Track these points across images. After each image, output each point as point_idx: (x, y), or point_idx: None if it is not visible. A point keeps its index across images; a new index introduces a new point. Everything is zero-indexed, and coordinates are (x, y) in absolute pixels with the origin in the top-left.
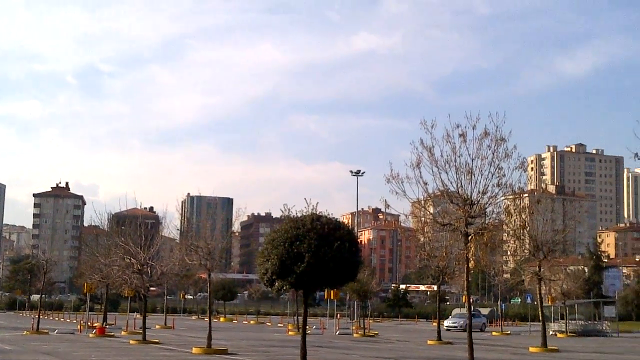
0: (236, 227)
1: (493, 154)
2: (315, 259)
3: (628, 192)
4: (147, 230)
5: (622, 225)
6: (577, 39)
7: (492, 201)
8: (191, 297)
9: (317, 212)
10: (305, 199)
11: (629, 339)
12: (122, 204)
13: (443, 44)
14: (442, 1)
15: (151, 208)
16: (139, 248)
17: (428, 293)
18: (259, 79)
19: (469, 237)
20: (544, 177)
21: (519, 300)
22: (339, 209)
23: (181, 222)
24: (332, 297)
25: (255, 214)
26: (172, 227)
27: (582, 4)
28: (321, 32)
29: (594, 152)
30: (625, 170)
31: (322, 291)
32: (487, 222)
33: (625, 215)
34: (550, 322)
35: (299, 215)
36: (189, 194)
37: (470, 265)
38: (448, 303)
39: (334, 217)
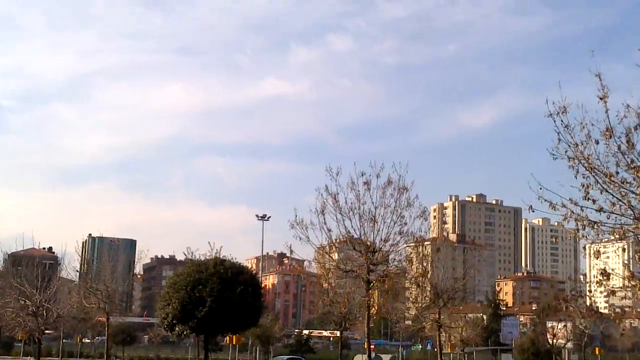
0: (138, 269)
1: (396, 202)
2: (217, 303)
3: (526, 242)
4: (45, 271)
5: (519, 274)
6: (479, 92)
7: (394, 249)
8: (89, 340)
9: (221, 256)
10: (209, 242)
11: None
12: (18, 243)
13: (351, 92)
14: (351, 51)
15: (50, 248)
16: (35, 289)
17: (331, 339)
18: (167, 120)
19: (371, 284)
20: (446, 226)
21: (420, 346)
22: (244, 253)
23: (81, 263)
24: (234, 342)
25: (159, 257)
26: (70, 268)
27: (485, 57)
28: (230, 75)
29: (494, 202)
30: (524, 220)
31: (224, 336)
32: (389, 269)
33: (523, 265)
34: None
35: (203, 258)
36: (90, 234)
37: (372, 311)
38: (351, 349)
39: (237, 262)
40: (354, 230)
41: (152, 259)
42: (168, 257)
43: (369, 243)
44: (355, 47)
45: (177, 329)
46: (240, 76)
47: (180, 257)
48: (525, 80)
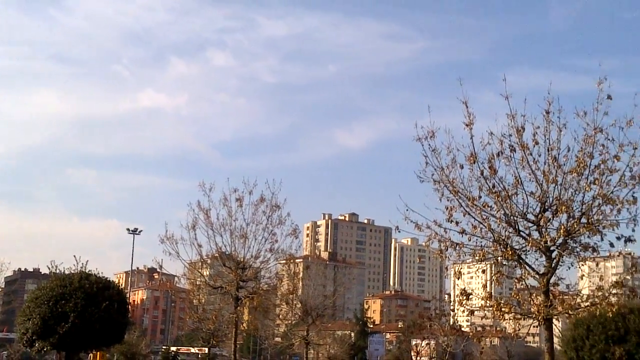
0: None
1: (268, 219)
2: (80, 319)
3: (395, 261)
4: None
5: (387, 292)
6: (357, 114)
7: (265, 265)
8: None
9: (87, 270)
10: (74, 256)
11: None
12: None
13: (229, 108)
14: (230, 66)
15: None
16: None
17: (199, 356)
18: (38, 129)
19: (240, 301)
20: (319, 244)
21: None
22: (114, 268)
23: None
24: (97, 359)
25: (22, 269)
26: None
27: (363, 80)
28: (107, 86)
29: (366, 221)
30: (393, 240)
31: (87, 353)
32: (258, 286)
33: (391, 283)
34: None
35: (68, 272)
36: None
37: (240, 328)
38: None
39: (104, 276)
40: (225, 247)
41: (14, 271)
42: (32, 270)
43: (239, 259)
44: (234, 63)
45: (37, 345)
46: (117, 87)
47: (45, 270)
48: (400, 104)
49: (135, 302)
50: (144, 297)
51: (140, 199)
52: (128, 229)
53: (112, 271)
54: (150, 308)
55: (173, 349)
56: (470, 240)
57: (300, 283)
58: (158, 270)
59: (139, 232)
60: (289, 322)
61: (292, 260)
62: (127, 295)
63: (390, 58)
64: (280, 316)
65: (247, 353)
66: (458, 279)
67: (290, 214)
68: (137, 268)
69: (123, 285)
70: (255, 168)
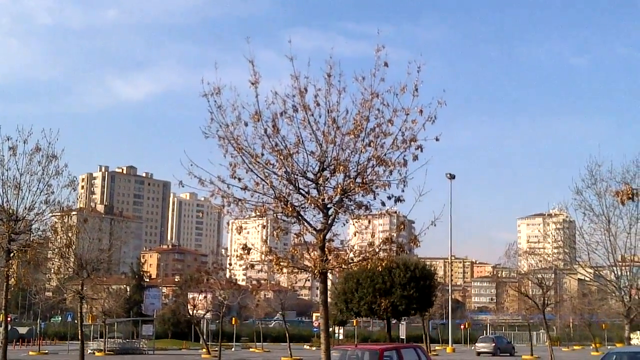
0: None
1: (43, 170)
2: None
3: (173, 216)
4: None
5: (165, 246)
6: (138, 64)
7: (39, 218)
8: None
9: None
10: None
11: (164, 356)
12: None
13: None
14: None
15: None
16: None
17: None
18: None
19: (12, 254)
20: (94, 197)
21: (60, 319)
22: None
23: None
24: None
25: None
26: None
27: (145, 29)
28: None
29: (144, 175)
30: (172, 194)
31: None
32: (32, 239)
33: (169, 238)
34: (90, 340)
35: None
36: None
37: (11, 282)
38: None
39: None
40: None
41: None
42: None
43: (11, 211)
44: (7, 1)
45: None
46: None
47: None
48: (185, 57)
49: None
50: None
51: None
52: None
53: None
54: None
55: None
56: (252, 196)
57: (76, 237)
58: None
59: None
60: (62, 276)
61: (67, 213)
62: None
63: (175, 8)
64: (53, 270)
65: (16, 308)
66: (239, 233)
67: (67, 165)
68: None
69: None
70: (31, 115)
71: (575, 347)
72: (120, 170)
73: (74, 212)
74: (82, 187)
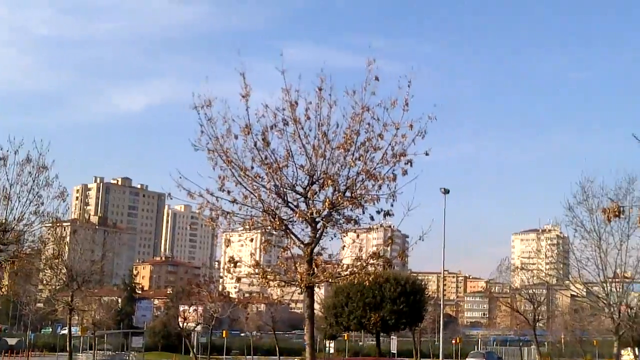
0: None
1: (34, 181)
2: None
3: (167, 228)
4: None
5: (158, 258)
6: (134, 76)
7: (28, 229)
8: None
9: None
10: None
11: None
12: None
13: None
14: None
15: None
16: None
17: None
18: None
19: (1, 266)
20: (89, 208)
21: (50, 330)
22: None
23: None
24: None
25: None
26: None
27: (143, 41)
28: None
29: (139, 187)
30: (167, 206)
31: None
32: (21, 250)
33: (163, 250)
34: (79, 352)
35: None
36: None
37: (0, 293)
38: None
39: None
40: None
41: None
42: None
43: (0, 221)
44: (4, 12)
45: None
46: None
47: None
48: (179, 70)
49: None
50: None
51: None
52: None
53: None
54: None
55: None
56: (241, 209)
57: (67, 247)
58: None
59: None
60: (53, 287)
61: (58, 224)
62: None
63: (173, 21)
64: (44, 281)
65: (6, 319)
66: (227, 246)
67: (58, 176)
68: None
69: None
70: (24, 125)
71: None
72: (115, 182)
73: (66, 224)
74: (77, 198)
